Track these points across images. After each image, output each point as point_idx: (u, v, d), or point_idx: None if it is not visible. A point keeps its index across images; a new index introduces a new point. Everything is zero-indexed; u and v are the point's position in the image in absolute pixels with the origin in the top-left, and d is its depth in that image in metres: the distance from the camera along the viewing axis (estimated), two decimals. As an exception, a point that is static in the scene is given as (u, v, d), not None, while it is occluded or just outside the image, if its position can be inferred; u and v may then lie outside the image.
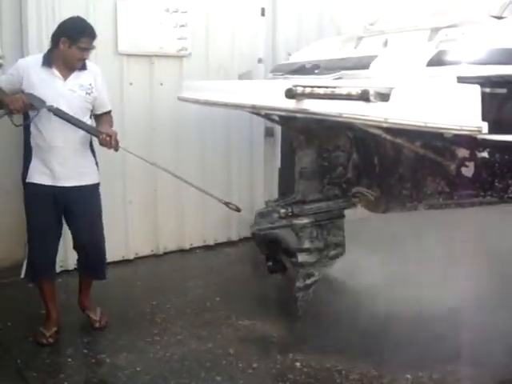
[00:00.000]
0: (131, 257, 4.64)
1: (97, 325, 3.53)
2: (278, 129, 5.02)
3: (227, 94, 3.12)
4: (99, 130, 3.27)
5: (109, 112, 3.45)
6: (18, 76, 3.14)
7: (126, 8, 4.30)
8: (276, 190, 5.08)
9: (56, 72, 3.16)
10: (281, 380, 3.01)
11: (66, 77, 3.18)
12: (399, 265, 3.98)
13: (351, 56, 3.23)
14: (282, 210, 3.35)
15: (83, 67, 3.23)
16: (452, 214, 3.57)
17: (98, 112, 3.39)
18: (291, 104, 2.40)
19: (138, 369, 3.08)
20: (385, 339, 3.27)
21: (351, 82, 2.67)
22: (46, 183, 3.20)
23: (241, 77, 4.98)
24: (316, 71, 3.03)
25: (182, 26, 4.57)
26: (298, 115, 2.42)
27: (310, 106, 2.33)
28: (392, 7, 3.55)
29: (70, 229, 3.40)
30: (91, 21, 4.12)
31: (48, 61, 3.16)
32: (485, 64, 2.42)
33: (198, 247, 5.06)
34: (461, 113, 2.12)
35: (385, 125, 2.14)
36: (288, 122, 3.57)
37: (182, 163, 4.76)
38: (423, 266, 4.07)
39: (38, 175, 3.20)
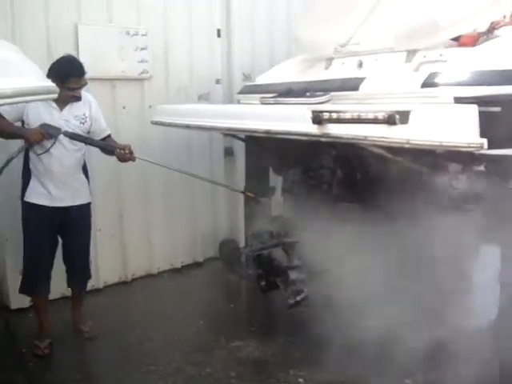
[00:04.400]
0: (101, 285, 4.50)
1: (86, 335, 3.69)
2: (238, 147, 5.06)
3: (227, 119, 3.13)
4: (113, 145, 3.57)
5: (109, 135, 3.69)
6: (21, 106, 3.27)
7: (86, 32, 4.20)
8: (240, 210, 5.05)
9: (53, 103, 3.35)
10: (289, 397, 3.05)
11: (61, 107, 3.41)
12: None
13: (334, 78, 3.34)
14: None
15: (78, 98, 3.44)
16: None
17: (100, 137, 3.59)
18: (313, 129, 2.47)
19: (143, 402, 3.02)
20: (375, 349, 3.34)
21: (352, 104, 2.77)
22: (44, 204, 3.39)
23: (200, 98, 4.99)
24: (307, 94, 3.11)
25: (143, 48, 4.53)
26: (322, 139, 2.49)
27: (334, 131, 2.41)
28: (361, 29, 3.73)
29: (63, 242, 3.57)
30: (51, 45, 4.07)
31: None
32: (478, 85, 2.61)
33: (165, 271, 4.99)
34: (463, 131, 2.28)
35: (407, 146, 2.26)
36: (266, 142, 3.63)
37: (147, 184, 4.73)
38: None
39: (36, 196, 3.40)
